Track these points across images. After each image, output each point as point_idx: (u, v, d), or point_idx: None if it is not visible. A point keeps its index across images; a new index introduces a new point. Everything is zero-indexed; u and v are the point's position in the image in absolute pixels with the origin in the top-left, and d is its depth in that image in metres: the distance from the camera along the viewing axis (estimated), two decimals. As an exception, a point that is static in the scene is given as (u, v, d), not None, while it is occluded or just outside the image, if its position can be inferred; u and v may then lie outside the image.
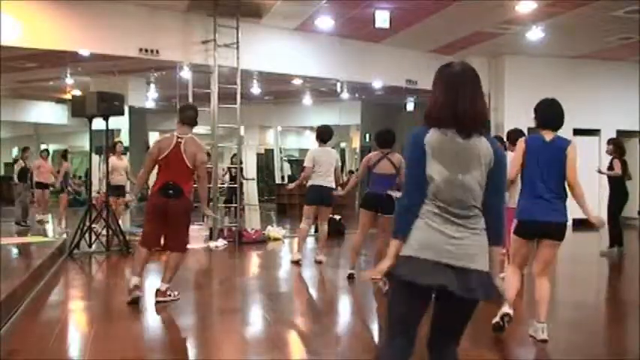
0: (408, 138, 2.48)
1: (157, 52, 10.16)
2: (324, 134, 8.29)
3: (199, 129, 12.50)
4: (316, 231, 11.52)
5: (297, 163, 23.80)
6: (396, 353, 2.47)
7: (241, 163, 12.49)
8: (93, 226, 8.87)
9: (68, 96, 15.76)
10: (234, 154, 12.59)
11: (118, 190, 10.39)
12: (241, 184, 12.19)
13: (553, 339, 4.36)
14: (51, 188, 12.98)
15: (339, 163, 8.20)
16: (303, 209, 8.32)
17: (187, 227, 5.75)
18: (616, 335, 5.13)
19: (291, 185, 8.66)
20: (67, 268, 7.86)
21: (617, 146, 9.41)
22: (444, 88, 2.48)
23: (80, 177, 20.10)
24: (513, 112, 12.23)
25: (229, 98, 10.67)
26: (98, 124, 8.91)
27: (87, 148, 10.78)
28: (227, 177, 13.07)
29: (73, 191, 12.80)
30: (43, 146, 24.97)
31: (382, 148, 6.64)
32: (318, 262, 8.14)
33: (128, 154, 11.58)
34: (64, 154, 13.86)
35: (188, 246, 9.40)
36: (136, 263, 5.70)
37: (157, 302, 5.54)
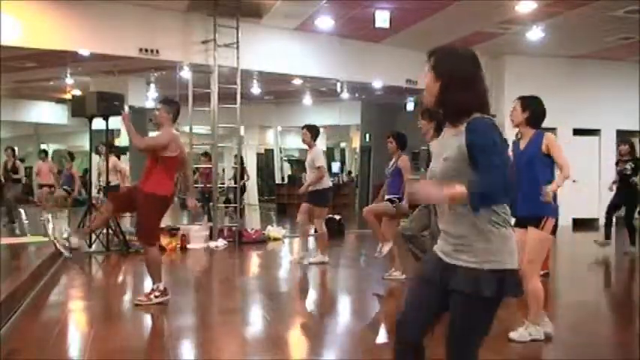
0: (489, 126, 2.30)
1: (157, 52, 10.16)
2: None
3: (199, 129, 12.60)
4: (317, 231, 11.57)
5: (297, 163, 23.81)
6: None
7: (243, 163, 12.50)
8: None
9: (68, 96, 15.76)
10: (236, 155, 12.59)
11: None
12: (244, 184, 12.20)
13: (554, 339, 4.36)
14: (52, 189, 12.94)
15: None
16: (321, 212, 8.09)
17: None
18: (617, 335, 5.13)
19: (303, 189, 8.20)
20: (67, 268, 7.85)
21: (633, 147, 9.41)
22: (482, 76, 2.40)
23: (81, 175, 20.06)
24: (513, 112, 12.22)
25: (229, 98, 10.67)
26: (98, 124, 8.91)
27: (87, 148, 10.77)
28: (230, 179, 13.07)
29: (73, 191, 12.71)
30: (43, 146, 25.03)
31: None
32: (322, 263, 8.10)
33: (128, 154, 11.56)
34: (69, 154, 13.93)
35: (188, 246, 9.58)
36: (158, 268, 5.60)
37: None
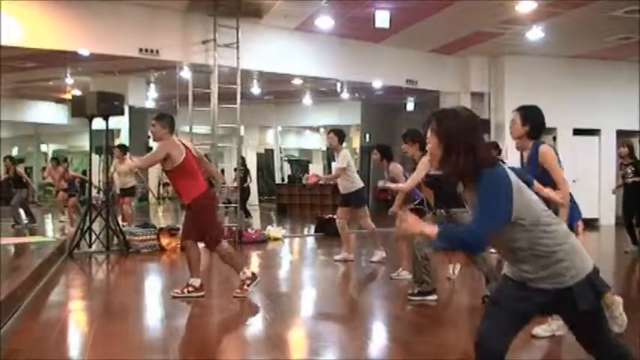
0: (494, 179, 2.43)
1: (157, 52, 10.15)
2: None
3: (199, 129, 12.60)
4: (319, 231, 11.58)
5: (297, 163, 23.83)
6: None
7: (245, 164, 12.51)
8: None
9: (68, 96, 15.75)
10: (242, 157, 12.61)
11: (124, 192, 10.71)
12: (248, 186, 12.22)
13: (554, 339, 4.36)
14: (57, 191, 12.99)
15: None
16: (363, 212, 8.23)
17: None
18: (617, 336, 5.12)
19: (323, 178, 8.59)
20: (67, 268, 7.86)
21: (632, 149, 9.39)
22: (481, 134, 2.54)
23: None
24: (513, 113, 12.22)
25: (229, 98, 10.67)
26: (98, 124, 8.91)
27: (87, 148, 10.78)
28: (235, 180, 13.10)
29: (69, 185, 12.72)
30: (43, 147, 25.05)
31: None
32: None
33: (128, 154, 11.56)
34: (55, 158, 14.01)
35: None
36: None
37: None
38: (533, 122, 4.21)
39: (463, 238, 2.41)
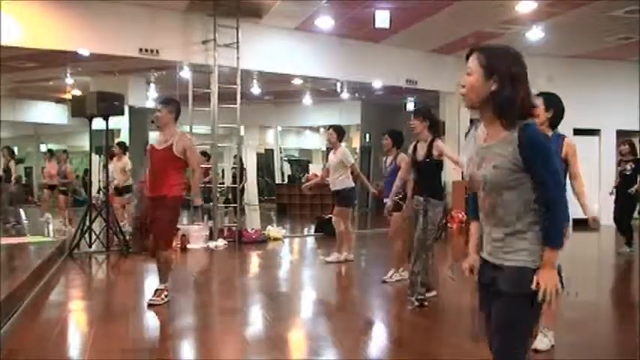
0: (542, 136, 2.30)
1: (157, 52, 10.16)
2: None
3: (199, 129, 12.60)
4: (319, 231, 11.58)
5: (297, 163, 23.83)
6: None
7: (242, 164, 12.49)
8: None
9: (68, 96, 15.75)
10: (235, 156, 12.59)
11: (119, 191, 10.75)
12: (243, 186, 12.20)
13: (554, 339, 4.36)
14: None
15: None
16: (346, 212, 8.16)
17: None
18: (617, 336, 5.13)
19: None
20: (67, 268, 7.86)
21: (633, 147, 9.36)
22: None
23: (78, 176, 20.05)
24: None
25: (229, 98, 10.67)
26: (98, 124, 8.91)
27: (87, 148, 10.79)
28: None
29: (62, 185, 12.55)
30: (43, 147, 25.03)
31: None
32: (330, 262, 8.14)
33: (127, 153, 11.56)
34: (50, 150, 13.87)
35: (188, 246, 9.58)
36: None
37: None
38: (555, 109, 4.06)
39: (559, 217, 2.22)
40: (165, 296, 5.58)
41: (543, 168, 2.20)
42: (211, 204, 11.08)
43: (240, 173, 11.56)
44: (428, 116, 5.70)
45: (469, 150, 2.40)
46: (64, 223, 11.90)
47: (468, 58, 2.35)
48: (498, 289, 2.27)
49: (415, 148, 5.69)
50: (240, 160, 12.03)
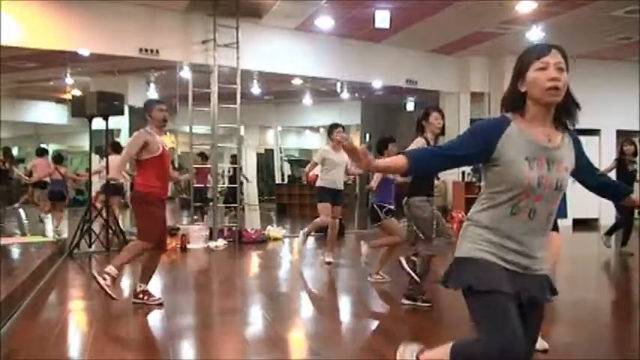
0: None
1: (157, 52, 10.16)
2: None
3: (199, 129, 12.60)
4: (319, 231, 11.54)
5: (297, 163, 23.83)
6: None
7: (236, 163, 12.49)
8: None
9: (68, 96, 15.77)
10: (233, 155, 12.59)
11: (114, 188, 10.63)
12: (241, 183, 12.19)
13: (554, 339, 4.36)
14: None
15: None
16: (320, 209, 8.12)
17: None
18: (617, 336, 5.13)
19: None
20: (67, 268, 7.86)
21: (636, 147, 9.33)
22: None
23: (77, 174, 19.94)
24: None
25: (229, 98, 10.67)
26: (98, 124, 8.92)
27: (87, 148, 10.77)
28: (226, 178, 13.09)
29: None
30: (43, 147, 25.01)
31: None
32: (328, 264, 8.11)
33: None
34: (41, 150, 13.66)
35: (188, 246, 9.58)
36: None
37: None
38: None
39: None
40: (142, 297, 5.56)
41: (583, 157, 2.41)
42: (211, 204, 11.10)
43: (235, 173, 11.55)
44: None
45: (515, 147, 2.28)
46: (57, 226, 11.79)
47: (548, 51, 2.43)
48: (535, 300, 2.30)
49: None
50: (235, 158, 12.01)
